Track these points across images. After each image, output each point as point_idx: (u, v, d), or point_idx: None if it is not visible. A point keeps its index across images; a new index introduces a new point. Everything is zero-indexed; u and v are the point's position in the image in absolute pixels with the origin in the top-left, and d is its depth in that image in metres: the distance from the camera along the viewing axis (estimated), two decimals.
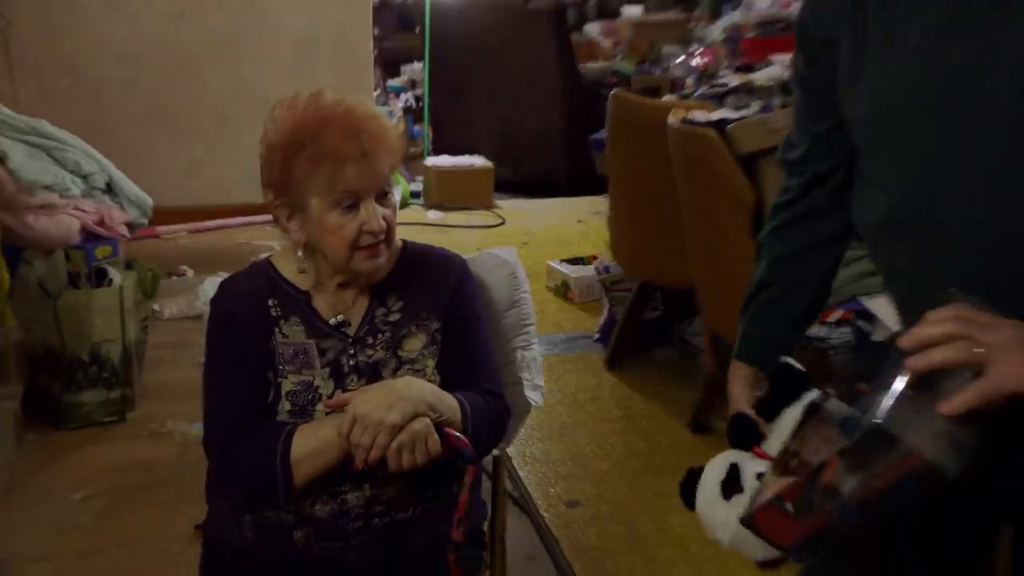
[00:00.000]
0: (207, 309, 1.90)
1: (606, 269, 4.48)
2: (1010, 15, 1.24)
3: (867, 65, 1.42)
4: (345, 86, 5.54)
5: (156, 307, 4.23)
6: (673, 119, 3.43)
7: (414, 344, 1.80)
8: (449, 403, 1.73)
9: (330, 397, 1.74)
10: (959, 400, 1.10)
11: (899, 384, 1.19)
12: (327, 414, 1.72)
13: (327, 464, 1.67)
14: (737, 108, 3.93)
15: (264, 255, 1.94)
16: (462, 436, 1.71)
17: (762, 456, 1.54)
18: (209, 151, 5.47)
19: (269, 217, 4.92)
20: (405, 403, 1.66)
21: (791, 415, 1.50)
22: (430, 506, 1.78)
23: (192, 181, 5.38)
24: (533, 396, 2.03)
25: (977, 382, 1.10)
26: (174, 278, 4.59)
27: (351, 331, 1.79)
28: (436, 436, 1.68)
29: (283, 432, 1.68)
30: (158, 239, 5.08)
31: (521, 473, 3.30)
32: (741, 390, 1.65)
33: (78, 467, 3.21)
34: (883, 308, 2.70)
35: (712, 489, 1.56)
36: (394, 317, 1.81)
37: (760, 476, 1.48)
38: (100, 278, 3.36)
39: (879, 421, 1.17)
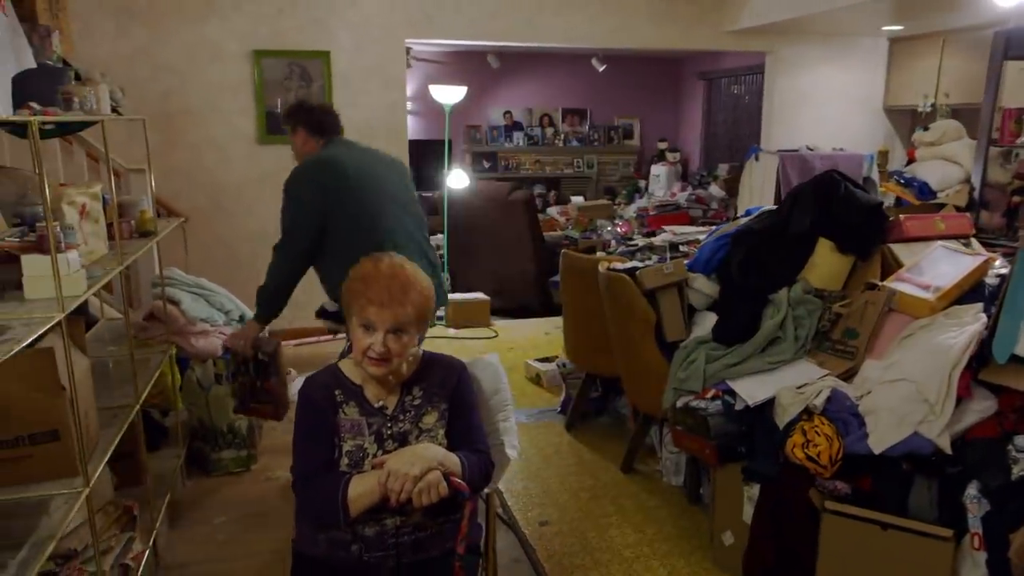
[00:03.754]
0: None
1: (564, 365, 4.44)
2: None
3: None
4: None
5: None
6: (601, 268, 3.45)
7: (430, 419, 1.78)
8: (453, 460, 1.71)
9: (375, 456, 1.71)
10: None
11: None
12: (371, 468, 1.69)
13: (372, 502, 1.64)
14: (643, 260, 3.94)
15: (334, 361, 1.92)
16: (462, 482, 1.68)
17: None
18: (304, 292, 5.50)
19: (343, 335, 4.81)
20: (423, 461, 1.64)
21: None
22: (441, 528, 1.73)
23: (293, 312, 5.38)
24: (511, 452, 1.99)
25: None
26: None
27: (388, 411, 1.77)
28: (444, 483, 1.65)
29: (343, 480, 1.66)
30: None
31: (509, 502, 3.21)
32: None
33: (219, 501, 3.20)
34: (741, 386, 2.69)
35: None
36: (417, 401, 1.79)
37: None
38: None
39: None
